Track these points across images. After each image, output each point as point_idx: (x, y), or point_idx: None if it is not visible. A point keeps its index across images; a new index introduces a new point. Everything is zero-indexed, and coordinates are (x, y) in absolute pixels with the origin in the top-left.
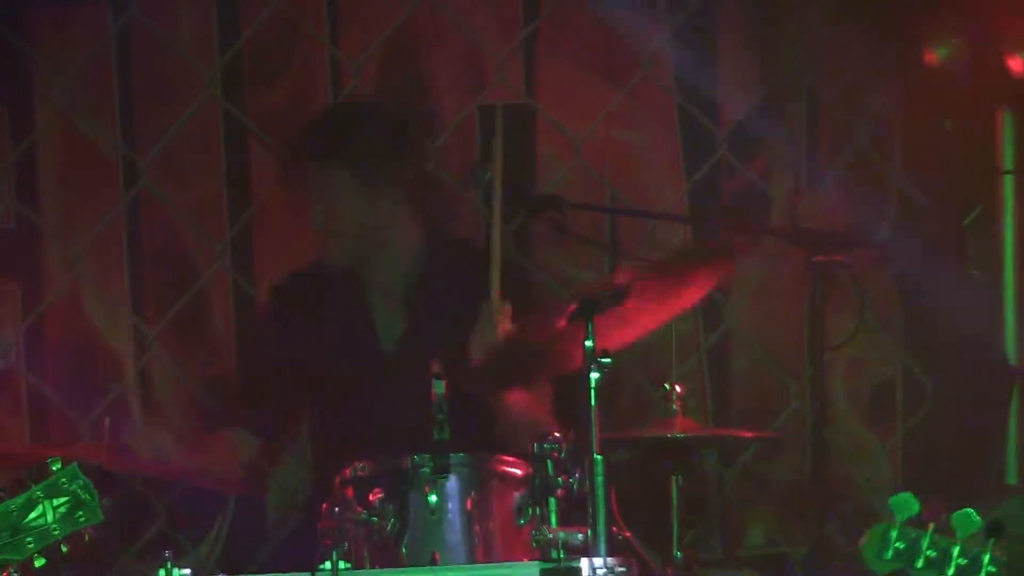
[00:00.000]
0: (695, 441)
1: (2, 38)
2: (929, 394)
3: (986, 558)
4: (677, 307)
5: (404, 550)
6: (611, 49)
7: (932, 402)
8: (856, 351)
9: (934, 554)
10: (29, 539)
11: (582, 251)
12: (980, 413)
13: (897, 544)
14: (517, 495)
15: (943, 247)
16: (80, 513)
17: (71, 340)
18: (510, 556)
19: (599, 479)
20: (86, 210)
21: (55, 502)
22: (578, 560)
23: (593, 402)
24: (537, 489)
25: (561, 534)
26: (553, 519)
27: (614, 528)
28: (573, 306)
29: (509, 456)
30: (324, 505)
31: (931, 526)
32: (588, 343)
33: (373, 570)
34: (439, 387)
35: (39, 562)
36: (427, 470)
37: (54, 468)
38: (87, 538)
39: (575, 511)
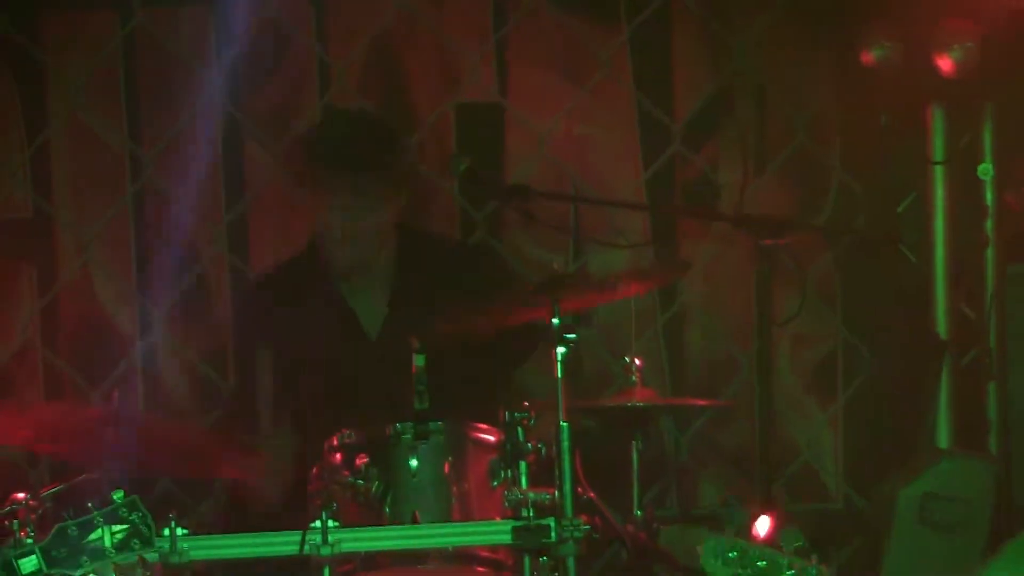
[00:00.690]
0: (653, 409)
1: (18, 44)
2: (866, 366)
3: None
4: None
5: (387, 510)
6: (574, 52)
7: (869, 373)
8: (799, 327)
9: (764, 564)
10: (84, 558)
11: (548, 236)
12: (913, 383)
13: (730, 553)
14: (490, 459)
15: (878, 232)
16: (136, 541)
17: (82, 318)
18: (484, 515)
19: (565, 444)
20: (96, 200)
21: (114, 528)
22: (547, 518)
23: (560, 374)
24: (509, 454)
25: (531, 494)
26: (523, 481)
27: (579, 489)
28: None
29: (483, 424)
30: (314, 469)
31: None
32: (555, 320)
33: (359, 528)
34: (419, 360)
35: None
36: (408, 437)
37: (115, 498)
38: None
39: (544, 473)
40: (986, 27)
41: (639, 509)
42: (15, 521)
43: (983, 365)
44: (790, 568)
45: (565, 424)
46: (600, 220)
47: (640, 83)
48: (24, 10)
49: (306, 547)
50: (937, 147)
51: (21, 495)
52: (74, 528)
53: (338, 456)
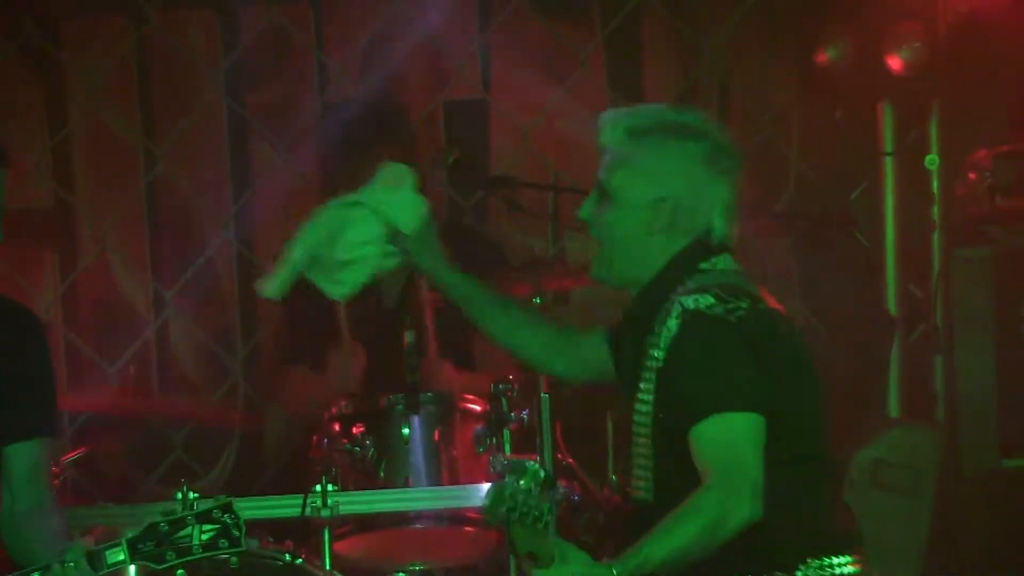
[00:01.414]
0: None
1: (39, 45)
2: (823, 342)
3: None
4: None
5: (382, 475)
6: (553, 53)
7: (826, 348)
8: None
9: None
10: (170, 553)
11: (530, 222)
12: (865, 357)
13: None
14: (477, 427)
15: (833, 217)
16: (224, 541)
17: (100, 301)
18: (471, 479)
19: (546, 413)
20: (112, 191)
21: (204, 527)
22: None
23: None
24: (494, 423)
25: (514, 460)
26: (507, 447)
27: (559, 455)
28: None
29: (470, 395)
30: (314, 438)
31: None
32: (536, 300)
33: (356, 491)
34: (410, 336)
35: None
36: (400, 407)
37: (217, 500)
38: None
39: (526, 441)
40: (932, 29)
41: (613, 474)
42: None
43: (930, 341)
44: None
45: (546, 395)
46: (577, 207)
47: (613, 82)
48: (46, 15)
49: (307, 510)
50: (887, 140)
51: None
52: (165, 525)
53: (336, 425)
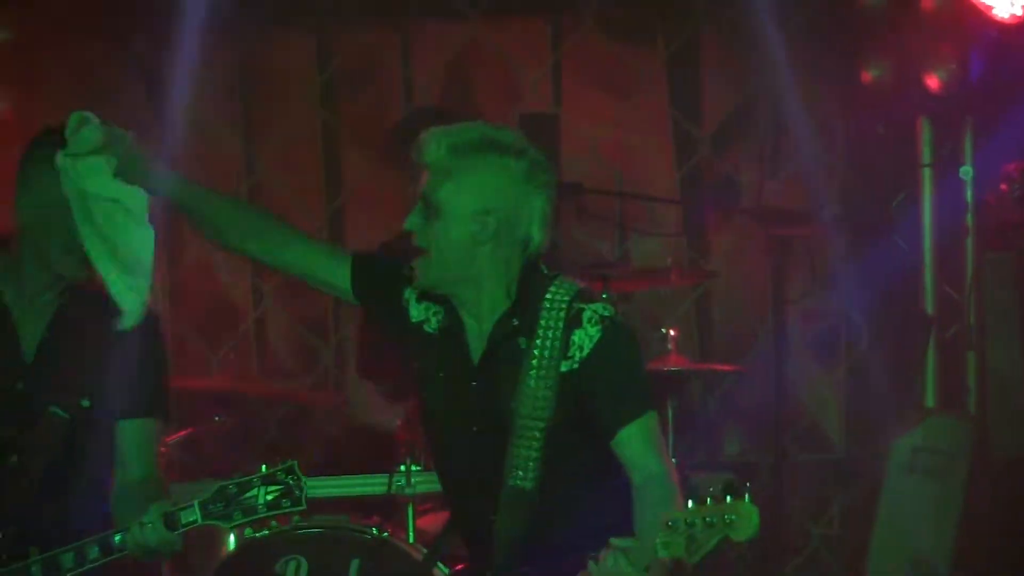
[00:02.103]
0: (685, 373)
1: (146, 60)
2: (865, 337)
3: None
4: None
5: None
6: (618, 72)
7: (868, 344)
8: (808, 304)
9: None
10: (238, 512)
11: (597, 226)
12: (904, 352)
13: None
14: None
15: (876, 224)
16: (286, 501)
17: (204, 294)
18: None
19: None
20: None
21: (269, 488)
22: None
23: None
24: None
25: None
26: None
27: None
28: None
29: None
30: (400, 421)
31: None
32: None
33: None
34: None
35: None
36: None
37: (281, 465)
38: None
39: None
40: (966, 52)
41: (673, 457)
42: None
43: (963, 338)
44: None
45: None
46: (640, 213)
47: (674, 100)
48: (156, 32)
49: (393, 487)
50: (925, 152)
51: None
52: (233, 487)
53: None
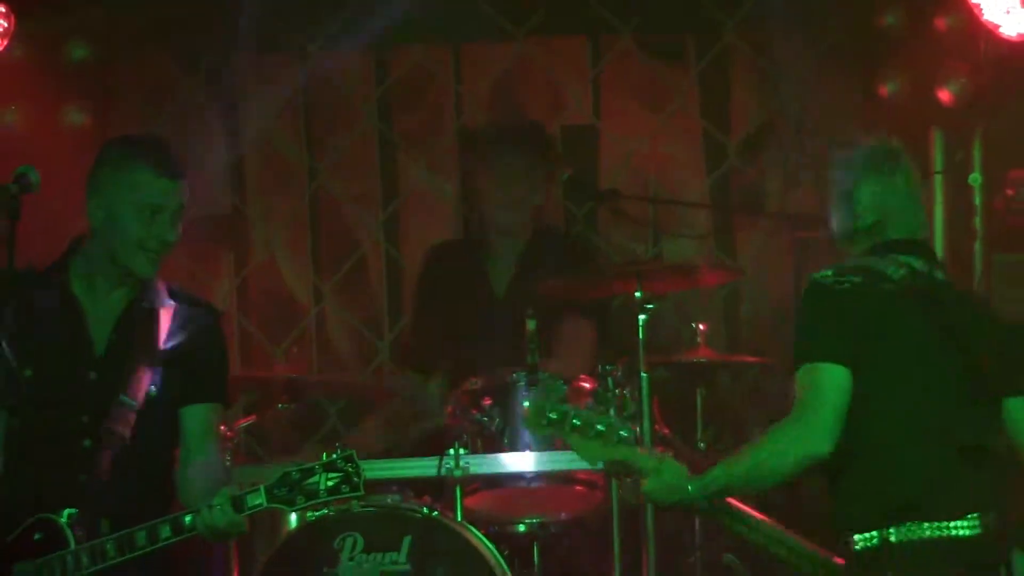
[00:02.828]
0: (713, 364)
1: (218, 76)
2: None
3: (624, 426)
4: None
5: (506, 441)
6: (653, 87)
7: None
8: None
9: (579, 422)
10: (300, 497)
11: (633, 229)
12: None
13: (551, 415)
14: (587, 401)
15: None
16: (345, 487)
17: (269, 292)
18: None
19: (645, 390)
20: (280, 201)
21: (329, 475)
22: None
23: (641, 335)
24: (602, 398)
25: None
26: None
27: (656, 426)
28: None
29: (582, 374)
30: (449, 409)
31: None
32: (637, 294)
33: (484, 455)
34: (531, 324)
35: None
36: (522, 384)
37: (336, 453)
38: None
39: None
40: (976, 67)
41: (701, 442)
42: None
43: None
44: (600, 423)
45: (645, 375)
46: (672, 217)
47: (704, 112)
48: (223, 50)
49: (442, 470)
50: (937, 160)
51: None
52: (296, 473)
53: (467, 398)
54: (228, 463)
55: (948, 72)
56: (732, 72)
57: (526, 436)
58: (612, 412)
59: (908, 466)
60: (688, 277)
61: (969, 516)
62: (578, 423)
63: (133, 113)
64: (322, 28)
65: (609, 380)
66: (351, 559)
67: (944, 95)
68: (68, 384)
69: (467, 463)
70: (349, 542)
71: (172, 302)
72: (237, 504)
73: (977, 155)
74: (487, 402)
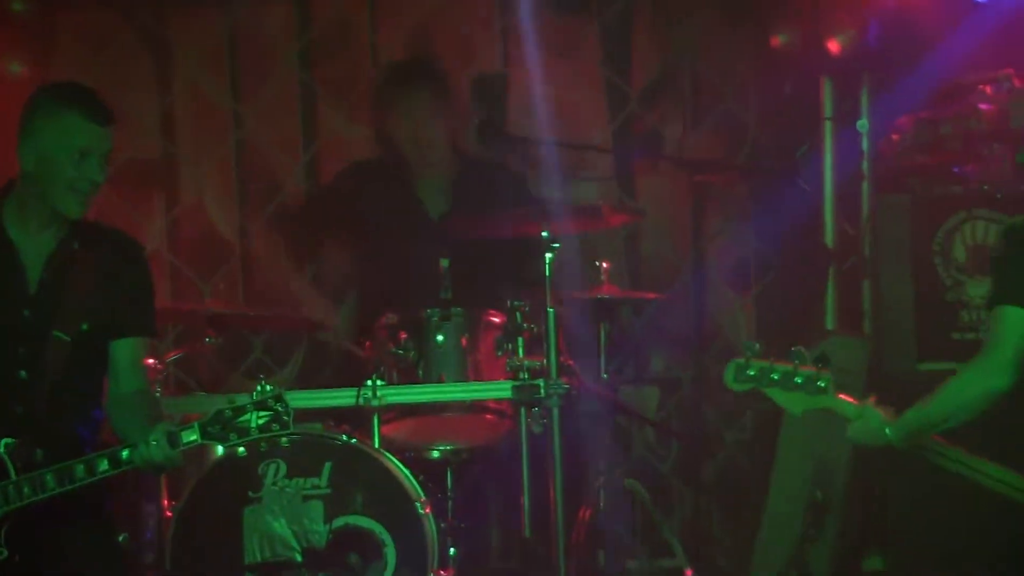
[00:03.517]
0: (616, 300)
1: (151, 29)
2: (773, 267)
3: (822, 375)
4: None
5: (420, 373)
6: (559, 38)
7: (775, 273)
8: (723, 239)
9: (777, 376)
10: (232, 434)
11: (540, 171)
12: (808, 280)
13: (750, 372)
14: (497, 335)
15: (783, 170)
16: (276, 425)
17: (197, 231)
18: (492, 377)
19: (551, 325)
20: (208, 145)
21: (260, 414)
22: (538, 379)
23: (548, 273)
24: (511, 331)
25: (526, 362)
26: (521, 352)
27: (562, 358)
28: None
29: (491, 309)
30: (367, 343)
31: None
32: (544, 234)
33: (400, 386)
34: (444, 262)
35: None
36: (436, 318)
37: (265, 389)
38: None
39: (536, 346)
40: (863, 19)
41: (605, 374)
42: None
43: (860, 268)
44: (798, 376)
45: (551, 309)
46: (577, 161)
47: (607, 61)
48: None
49: (360, 400)
50: (827, 108)
51: (150, 360)
52: (229, 411)
53: (384, 332)
54: (158, 394)
55: (837, 23)
56: (633, 24)
57: (440, 367)
58: (799, 371)
59: None
60: (592, 218)
61: None
62: (776, 377)
63: (70, 63)
64: None
65: (518, 315)
66: (274, 484)
67: (833, 46)
68: (3, 321)
69: (384, 394)
70: (272, 468)
71: (100, 239)
72: (173, 440)
73: (864, 102)
74: (403, 336)
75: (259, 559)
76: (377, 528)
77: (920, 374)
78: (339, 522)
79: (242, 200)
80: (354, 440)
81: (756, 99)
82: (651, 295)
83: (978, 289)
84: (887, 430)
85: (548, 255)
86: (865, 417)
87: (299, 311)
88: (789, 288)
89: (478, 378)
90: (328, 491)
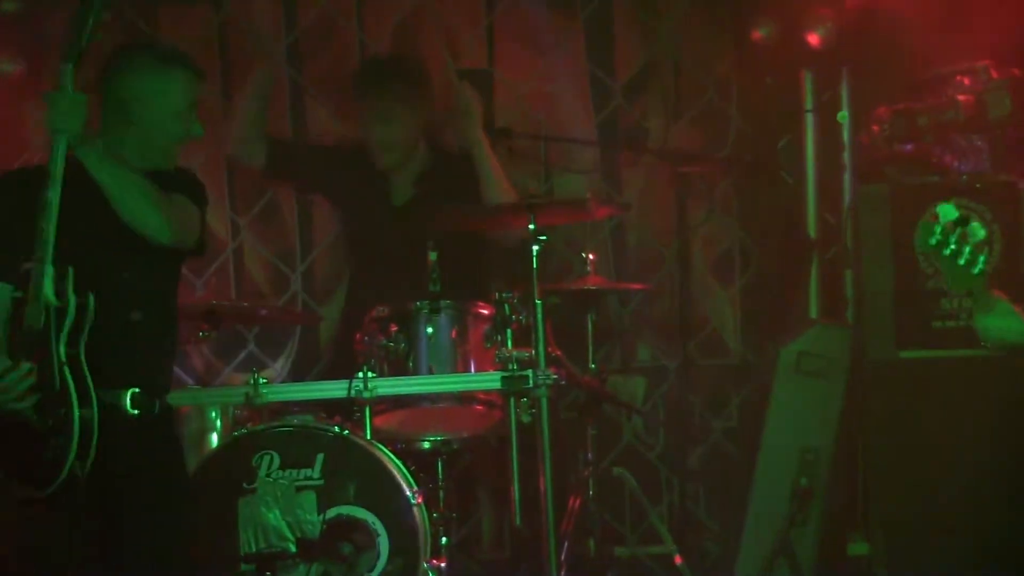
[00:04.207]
0: (602, 291)
1: (140, 27)
2: (756, 258)
3: (981, 258)
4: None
5: (411, 364)
6: (543, 33)
7: (759, 263)
8: (707, 230)
9: (954, 247)
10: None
11: (527, 165)
12: (791, 270)
13: (932, 240)
14: (485, 327)
15: (765, 161)
16: None
17: None
18: (481, 368)
19: (539, 316)
20: (198, 142)
21: None
22: (526, 370)
23: (535, 265)
24: (499, 323)
25: (515, 353)
26: (509, 343)
27: (549, 349)
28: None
29: (480, 301)
30: (358, 335)
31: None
32: (531, 227)
33: (390, 378)
34: (433, 255)
35: None
36: (426, 311)
37: None
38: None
39: (524, 337)
40: (842, 12)
41: (592, 363)
42: None
43: (842, 258)
44: (964, 255)
45: (539, 301)
46: (563, 155)
47: (591, 55)
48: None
49: (352, 392)
50: (808, 100)
51: None
52: None
53: (375, 325)
54: None
55: (816, 17)
56: (614, 18)
57: (430, 358)
58: (970, 248)
59: None
60: (578, 211)
61: None
62: (953, 248)
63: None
64: None
65: (506, 307)
66: (268, 475)
67: (812, 38)
68: None
69: (375, 385)
70: (266, 459)
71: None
72: None
73: (844, 94)
74: (393, 328)
75: (254, 550)
76: (370, 518)
77: (901, 362)
78: (332, 512)
79: (233, 196)
80: (346, 431)
81: (738, 92)
82: (637, 286)
83: None
84: None
85: (535, 247)
86: (1007, 312)
87: (294, 306)
88: (772, 278)
89: (467, 369)
90: (321, 482)
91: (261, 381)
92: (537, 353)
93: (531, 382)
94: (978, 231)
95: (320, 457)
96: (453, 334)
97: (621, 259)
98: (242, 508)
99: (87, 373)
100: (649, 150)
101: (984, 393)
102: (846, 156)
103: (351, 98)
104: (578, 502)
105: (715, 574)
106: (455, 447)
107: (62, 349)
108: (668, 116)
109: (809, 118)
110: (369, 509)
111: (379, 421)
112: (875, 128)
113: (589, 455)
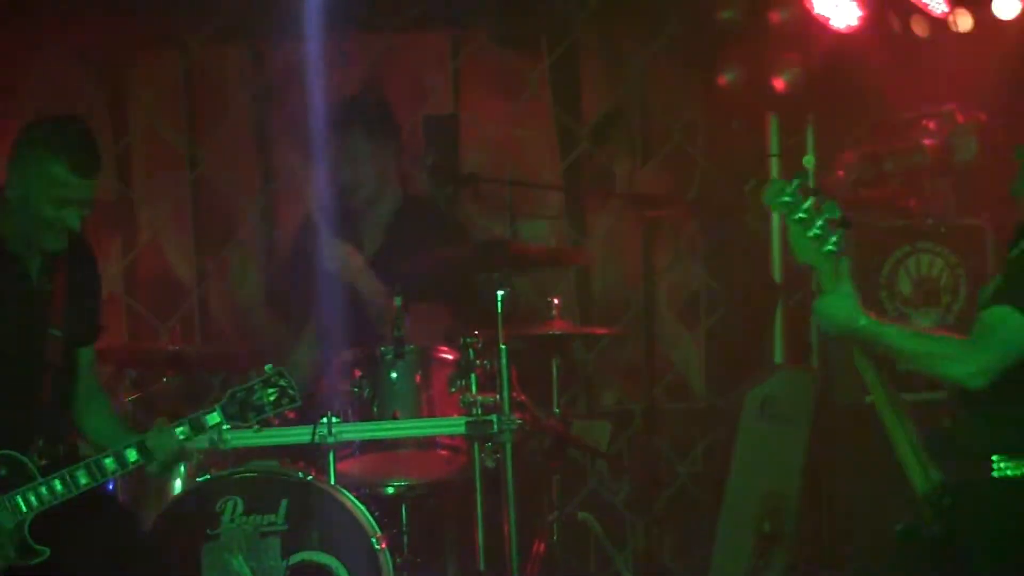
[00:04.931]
0: (567, 336)
1: (108, 71)
2: (722, 302)
3: (833, 238)
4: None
5: (375, 409)
6: (509, 77)
7: (725, 307)
8: (673, 274)
9: (804, 216)
10: (251, 413)
11: (492, 211)
12: (756, 315)
13: (785, 197)
14: (450, 372)
15: (730, 206)
16: (285, 400)
17: (154, 273)
18: (445, 412)
19: (504, 361)
20: (164, 186)
21: (268, 391)
22: (490, 415)
23: (500, 309)
24: (463, 368)
25: (479, 398)
26: (474, 388)
27: (514, 394)
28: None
29: (444, 346)
30: (321, 380)
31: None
32: (495, 274)
33: (355, 423)
34: (398, 301)
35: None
36: (390, 356)
37: (267, 369)
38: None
39: (488, 382)
40: (808, 58)
41: (557, 408)
42: None
43: (807, 302)
44: (815, 228)
45: (504, 346)
46: (528, 200)
47: (557, 100)
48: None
49: (316, 437)
50: (773, 144)
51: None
52: (241, 392)
53: (339, 370)
54: None
55: (782, 62)
56: (581, 63)
57: (395, 403)
58: (822, 222)
59: None
60: (543, 257)
61: None
62: (803, 216)
63: (26, 105)
64: (203, 22)
65: (470, 351)
66: (232, 521)
67: (778, 83)
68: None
69: (339, 430)
70: (230, 505)
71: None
72: (196, 425)
73: (810, 139)
74: (357, 374)
75: None
76: (334, 563)
77: (867, 407)
78: (296, 558)
79: (199, 241)
80: (310, 477)
81: (704, 136)
82: (602, 330)
83: (923, 321)
84: (862, 320)
85: (500, 292)
86: (847, 295)
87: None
88: (738, 322)
89: (432, 414)
90: (285, 528)
91: (224, 427)
92: (502, 398)
93: (495, 427)
94: (834, 210)
95: (284, 502)
96: (417, 379)
97: (587, 303)
98: (206, 554)
99: None
100: (616, 194)
101: None
102: None
103: (319, 141)
104: (542, 547)
105: None
106: (419, 492)
107: None
108: (634, 160)
109: (775, 162)
110: (333, 555)
111: (343, 466)
112: (840, 172)
113: (554, 500)
